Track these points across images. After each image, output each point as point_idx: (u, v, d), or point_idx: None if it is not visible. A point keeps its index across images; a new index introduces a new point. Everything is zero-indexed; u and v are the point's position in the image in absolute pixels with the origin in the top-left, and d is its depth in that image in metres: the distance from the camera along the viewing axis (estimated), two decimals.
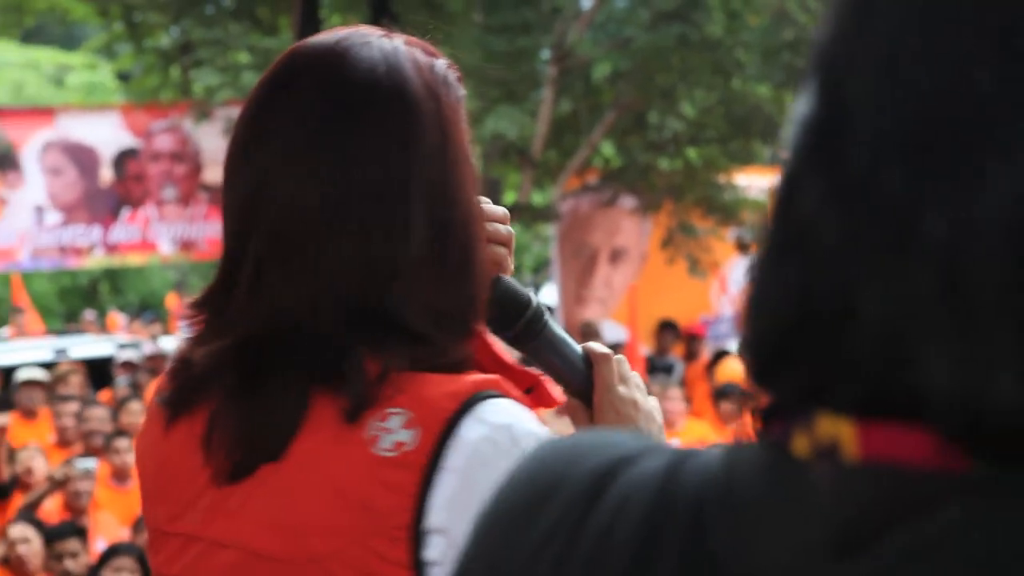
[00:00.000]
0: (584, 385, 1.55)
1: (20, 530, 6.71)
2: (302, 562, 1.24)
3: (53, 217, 13.76)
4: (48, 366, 10.31)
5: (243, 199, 1.33)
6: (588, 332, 12.82)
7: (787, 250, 0.66)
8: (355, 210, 1.28)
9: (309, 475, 1.25)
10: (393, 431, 1.23)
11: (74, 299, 24.48)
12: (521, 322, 1.49)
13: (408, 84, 1.33)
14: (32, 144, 13.76)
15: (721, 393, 10.38)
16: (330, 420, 1.25)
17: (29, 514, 7.05)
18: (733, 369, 11.40)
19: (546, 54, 13.52)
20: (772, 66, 13.06)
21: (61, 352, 11.60)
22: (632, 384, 1.56)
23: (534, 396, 1.42)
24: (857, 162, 0.62)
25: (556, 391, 1.48)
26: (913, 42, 0.61)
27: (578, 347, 1.56)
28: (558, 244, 14.70)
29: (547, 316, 1.52)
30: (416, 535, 1.22)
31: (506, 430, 1.24)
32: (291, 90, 1.34)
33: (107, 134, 13.93)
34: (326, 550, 1.23)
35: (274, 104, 1.34)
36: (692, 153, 13.95)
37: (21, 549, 6.64)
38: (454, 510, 1.22)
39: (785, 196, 0.68)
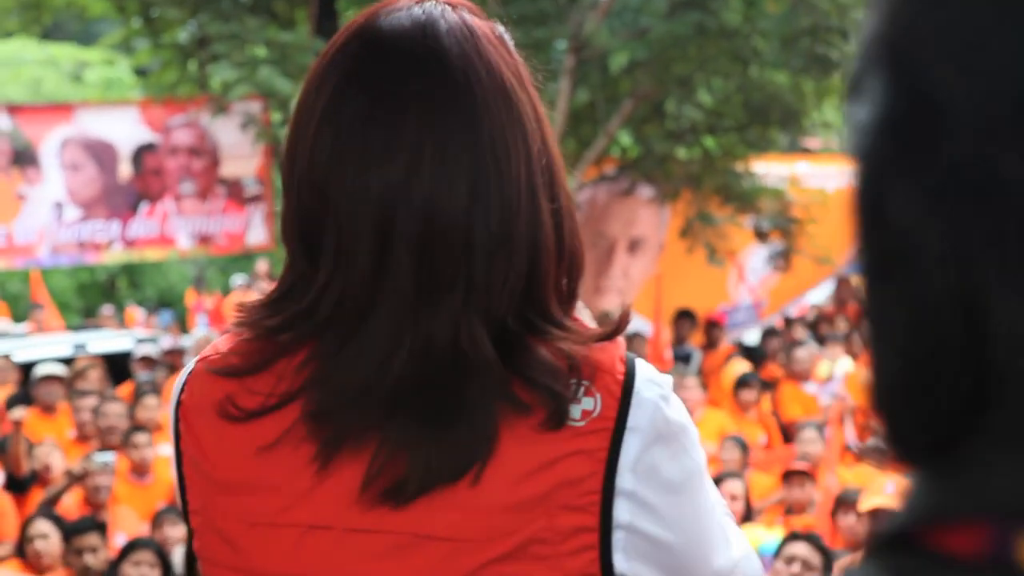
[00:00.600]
0: None
1: (39, 525, 6.73)
2: (492, 539, 1.23)
3: (72, 213, 13.79)
4: (67, 361, 10.34)
5: (376, 199, 1.26)
6: (606, 322, 12.80)
7: (890, 271, 0.59)
8: (497, 212, 1.25)
9: (510, 465, 1.23)
10: (580, 401, 1.24)
11: (92, 294, 24.55)
12: None
13: (497, 73, 1.31)
14: (51, 140, 13.80)
15: (740, 382, 10.34)
16: (528, 419, 1.24)
17: (48, 509, 7.07)
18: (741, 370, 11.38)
19: (563, 44, 13.47)
20: (791, 53, 12.99)
21: (80, 347, 11.63)
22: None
23: None
24: (960, 155, 0.55)
25: None
26: (994, 19, 0.54)
27: None
28: None
29: None
30: (606, 498, 1.24)
31: (668, 385, 1.30)
32: (398, 82, 1.29)
33: (125, 129, 13.96)
34: (514, 524, 1.22)
35: (384, 99, 1.28)
36: (710, 142, 13.90)
37: (39, 544, 6.66)
38: (637, 471, 1.25)
39: (873, 210, 0.60)
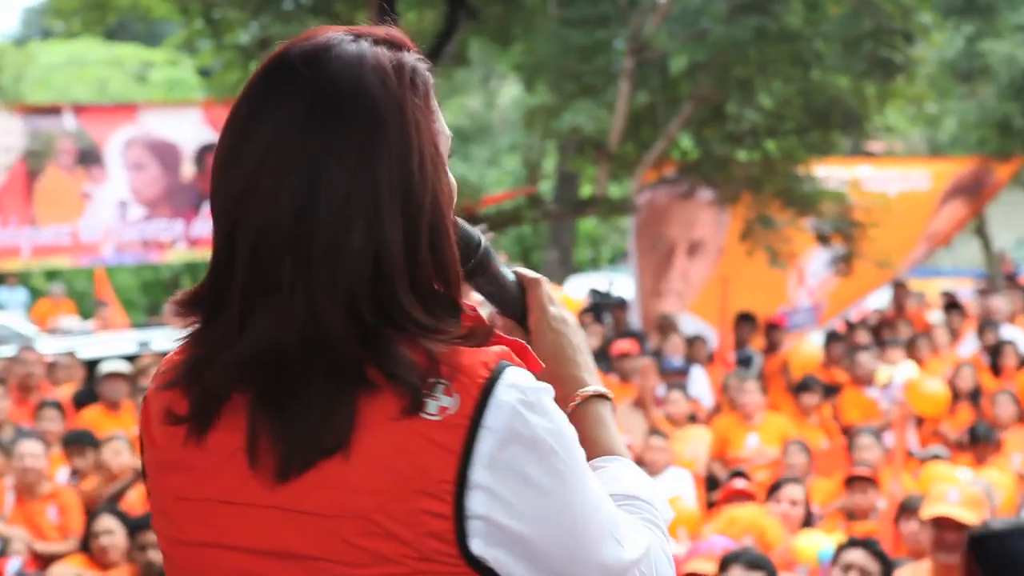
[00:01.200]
0: (519, 308, 1.71)
1: (104, 522, 6.81)
2: (351, 517, 1.38)
3: (136, 212, 13.95)
4: (131, 358, 10.46)
5: (234, 201, 1.44)
6: (665, 325, 12.77)
7: None
8: (341, 220, 1.40)
9: (370, 450, 1.38)
10: (438, 398, 1.38)
11: (156, 292, 24.80)
12: (473, 261, 1.64)
13: (370, 96, 1.43)
14: (115, 140, 13.96)
15: (801, 386, 10.30)
16: (387, 408, 1.38)
17: (113, 506, 7.16)
18: (807, 357, 11.32)
19: (623, 47, 13.46)
20: (853, 56, 12.92)
21: (144, 345, 11.77)
22: (559, 303, 1.72)
23: (525, 362, 1.53)
24: None
25: (538, 357, 1.57)
26: None
27: (512, 274, 1.71)
28: (635, 237, 14.64)
29: (492, 253, 1.67)
30: (459, 489, 1.37)
31: (532, 391, 1.40)
32: (272, 100, 1.44)
33: (188, 130, 14.09)
34: (371, 505, 1.37)
35: (260, 112, 1.44)
36: (770, 145, 13.84)
37: (104, 540, 6.74)
38: (494, 467, 1.37)
39: None
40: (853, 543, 5.62)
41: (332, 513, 1.39)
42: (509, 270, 1.71)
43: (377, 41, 1.50)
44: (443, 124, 1.52)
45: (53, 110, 14.76)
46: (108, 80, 27.75)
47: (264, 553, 1.43)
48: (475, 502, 1.37)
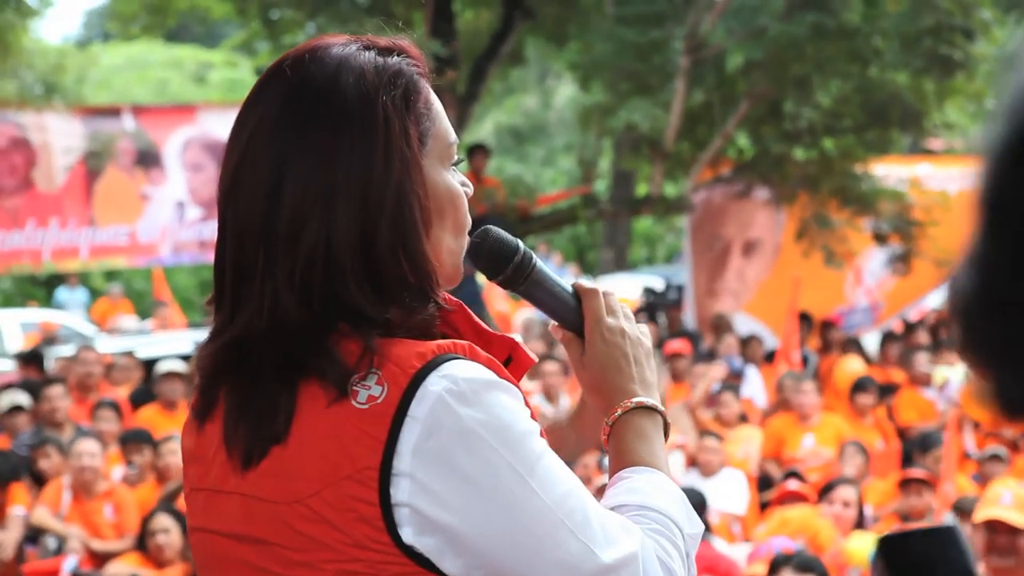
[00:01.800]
0: (576, 318, 1.71)
1: (160, 520, 6.87)
2: (289, 502, 1.43)
3: (193, 212, 14.09)
4: (188, 358, 10.54)
5: (224, 194, 1.55)
6: (720, 324, 12.71)
7: None
8: (300, 212, 1.47)
9: (306, 438, 1.43)
10: (368, 387, 1.42)
11: None
12: (510, 267, 1.65)
13: (341, 95, 1.49)
14: (174, 141, 14.10)
15: (857, 386, 10.21)
16: (320, 397, 1.44)
17: (169, 504, 7.22)
18: (851, 369, 11.22)
19: (679, 45, 13.41)
20: (912, 53, 12.78)
21: (200, 344, 11.83)
22: (620, 315, 1.71)
23: (513, 363, 1.58)
24: None
25: (530, 353, 1.60)
26: None
27: (568, 284, 1.71)
28: (690, 236, 14.58)
29: (536, 259, 1.68)
30: (384, 477, 1.39)
31: (466, 381, 1.41)
32: (258, 100, 1.54)
33: None
34: (308, 491, 1.42)
35: (248, 111, 1.54)
36: (828, 143, 13.73)
37: (160, 539, 6.81)
38: (419, 456, 1.39)
39: None
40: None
41: (276, 498, 1.44)
42: (566, 280, 1.72)
43: (371, 47, 1.55)
44: (439, 127, 1.56)
45: (112, 111, 14.94)
46: (168, 81, 28.02)
47: (237, 537, 1.50)
48: (399, 490, 1.39)
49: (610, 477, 1.61)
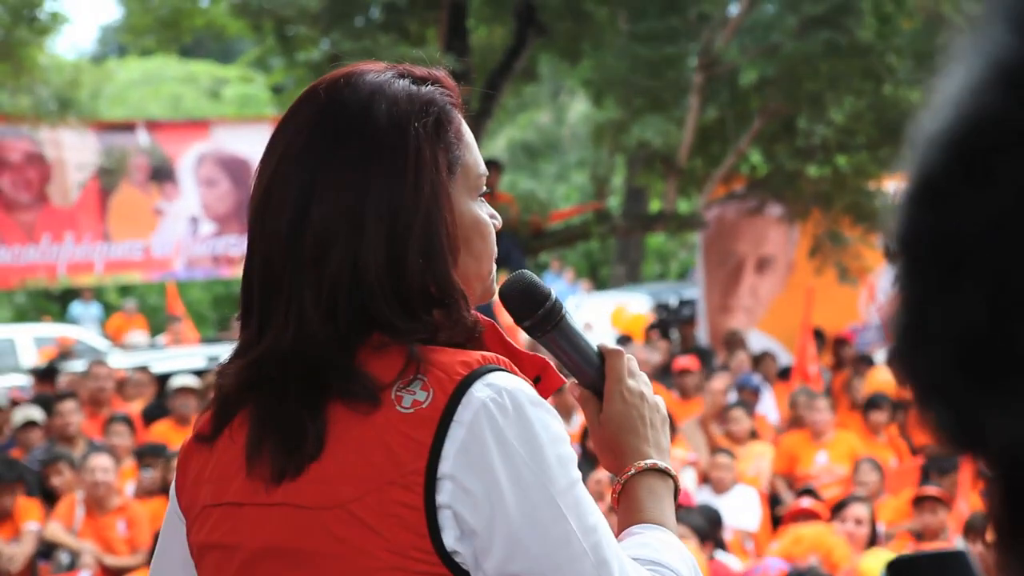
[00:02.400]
0: (596, 377, 1.72)
1: None
2: (331, 507, 1.43)
3: (207, 227, 14.11)
4: (201, 373, 10.57)
5: (254, 212, 1.56)
6: (733, 341, 12.69)
7: None
8: (328, 234, 1.49)
9: (345, 448, 1.44)
10: (413, 392, 1.43)
11: (227, 307, 25.04)
12: (538, 314, 1.67)
13: (372, 122, 1.52)
14: (188, 156, 14.13)
15: (870, 403, 10.18)
16: (352, 409, 1.45)
17: None
18: (882, 379, 11.18)
19: (692, 61, 13.42)
20: (925, 70, 12.77)
21: (214, 360, 11.86)
22: (640, 379, 1.73)
23: (542, 382, 1.59)
24: None
25: (560, 374, 1.63)
26: None
27: (592, 342, 1.72)
28: (703, 253, 14.57)
29: (565, 311, 1.70)
30: (429, 480, 1.40)
31: (509, 393, 1.43)
32: (290, 122, 1.57)
33: (260, 145, 14.06)
34: (350, 496, 1.42)
35: (280, 132, 1.57)
36: (841, 160, 13.72)
37: None
38: (462, 459, 1.41)
39: None
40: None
41: (317, 504, 1.44)
42: (589, 338, 1.73)
43: (405, 76, 1.58)
44: (469, 157, 1.59)
45: (127, 126, 14.99)
46: (182, 97, 28.11)
47: (268, 550, 1.49)
48: (443, 493, 1.41)
49: (618, 533, 1.61)
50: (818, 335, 12.76)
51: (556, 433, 1.45)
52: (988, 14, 0.66)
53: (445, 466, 1.40)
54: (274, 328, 1.51)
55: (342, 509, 1.42)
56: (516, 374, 1.48)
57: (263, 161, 1.57)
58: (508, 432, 1.42)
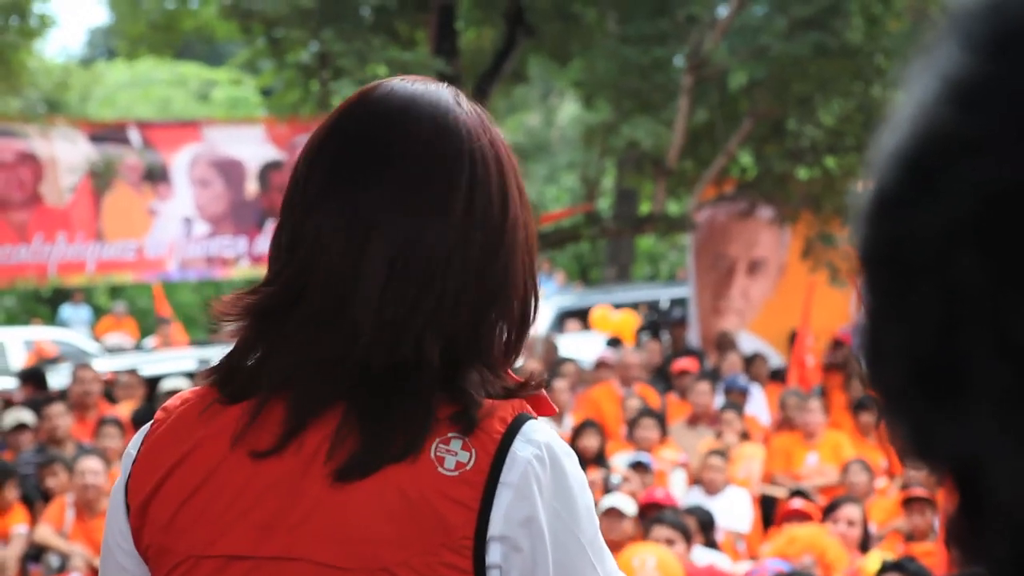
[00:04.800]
0: None
1: None
2: (372, 570, 1.38)
3: (201, 228, 14.10)
4: (192, 376, 10.54)
5: (344, 231, 1.47)
6: (724, 343, 12.71)
7: None
8: (414, 268, 1.45)
9: (378, 491, 1.39)
10: (455, 453, 1.40)
11: None
12: None
13: (467, 156, 1.48)
14: (181, 157, 14.12)
15: (860, 405, 10.20)
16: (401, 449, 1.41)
17: None
18: None
19: (682, 63, 13.44)
20: None
21: (204, 362, 11.83)
22: None
23: (537, 408, 1.55)
24: None
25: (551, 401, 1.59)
26: None
27: None
28: (694, 255, 14.58)
29: None
30: (478, 543, 1.39)
31: (548, 448, 1.43)
32: (386, 148, 1.49)
33: (253, 147, 14.23)
34: (395, 559, 1.38)
35: (373, 155, 1.48)
36: (830, 161, 13.75)
37: None
38: (511, 519, 1.40)
39: None
40: (887, 567, 5.55)
41: (350, 565, 1.39)
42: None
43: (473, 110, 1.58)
44: None
45: (118, 127, 14.96)
46: (171, 99, 28.07)
47: None
48: (492, 553, 1.40)
49: None
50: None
51: (583, 481, 1.47)
52: (941, 32, 0.68)
53: (495, 528, 1.39)
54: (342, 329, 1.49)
55: (385, 572, 1.38)
56: (533, 414, 1.48)
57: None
58: (551, 488, 1.42)
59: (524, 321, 1.51)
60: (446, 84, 1.59)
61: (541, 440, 1.43)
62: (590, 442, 8.63)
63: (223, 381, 1.52)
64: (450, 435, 1.41)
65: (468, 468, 1.40)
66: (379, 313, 1.43)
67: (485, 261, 1.46)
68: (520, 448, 1.41)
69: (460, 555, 1.38)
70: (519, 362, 1.61)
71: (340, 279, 1.45)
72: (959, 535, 0.66)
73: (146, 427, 1.55)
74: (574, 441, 8.55)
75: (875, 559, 6.80)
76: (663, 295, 18.51)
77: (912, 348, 0.66)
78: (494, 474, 1.40)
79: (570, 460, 1.45)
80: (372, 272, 1.44)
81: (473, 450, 1.40)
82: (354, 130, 1.50)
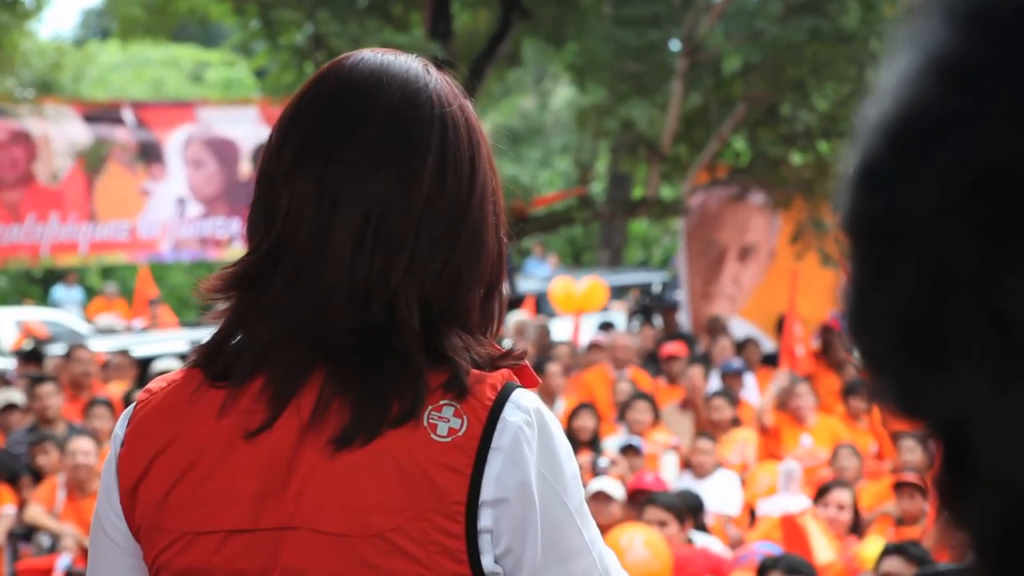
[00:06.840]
0: None
1: None
2: (367, 536, 1.41)
3: (194, 209, 14.09)
4: (183, 357, 10.53)
5: (315, 199, 1.49)
6: (715, 327, 12.71)
7: None
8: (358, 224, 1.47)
9: (374, 458, 1.42)
10: (447, 419, 1.43)
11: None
12: None
13: (436, 122, 1.51)
14: (175, 137, 14.10)
15: (849, 389, 10.22)
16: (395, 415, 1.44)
17: None
18: None
19: (676, 47, 13.43)
20: None
21: (196, 343, 11.82)
22: None
23: (521, 379, 1.56)
24: None
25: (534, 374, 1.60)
26: None
27: None
28: (686, 240, 14.59)
29: None
30: (471, 508, 1.41)
31: (536, 414, 1.46)
32: (356, 116, 1.51)
33: (246, 128, 14.21)
34: (388, 525, 1.41)
35: (345, 123, 1.51)
36: (824, 147, 13.75)
37: None
38: (503, 484, 1.43)
39: None
40: (889, 550, 5.57)
41: (347, 532, 1.42)
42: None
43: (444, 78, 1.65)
44: None
45: (112, 107, 14.94)
46: (164, 80, 28.00)
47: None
48: (484, 518, 1.42)
49: None
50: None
51: (569, 449, 1.50)
52: (924, 7, 0.69)
53: (487, 493, 1.42)
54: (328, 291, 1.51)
55: (379, 538, 1.41)
56: (522, 383, 1.51)
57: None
58: (539, 453, 1.45)
59: (496, 285, 1.55)
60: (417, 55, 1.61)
61: (530, 406, 1.45)
62: (586, 423, 8.67)
63: (208, 362, 1.53)
64: (442, 402, 1.43)
65: (460, 434, 1.42)
66: (351, 276, 1.46)
67: (455, 225, 1.49)
68: (511, 414, 1.44)
69: (453, 520, 1.40)
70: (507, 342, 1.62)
71: (313, 247, 1.47)
72: (944, 493, 0.68)
73: (130, 408, 1.56)
74: (569, 423, 8.56)
75: (873, 544, 6.82)
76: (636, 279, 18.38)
77: (899, 315, 0.68)
78: (486, 440, 1.42)
79: (557, 427, 1.48)
80: (343, 238, 1.46)
81: (465, 416, 1.43)
82: (324, 101, 1.52)
